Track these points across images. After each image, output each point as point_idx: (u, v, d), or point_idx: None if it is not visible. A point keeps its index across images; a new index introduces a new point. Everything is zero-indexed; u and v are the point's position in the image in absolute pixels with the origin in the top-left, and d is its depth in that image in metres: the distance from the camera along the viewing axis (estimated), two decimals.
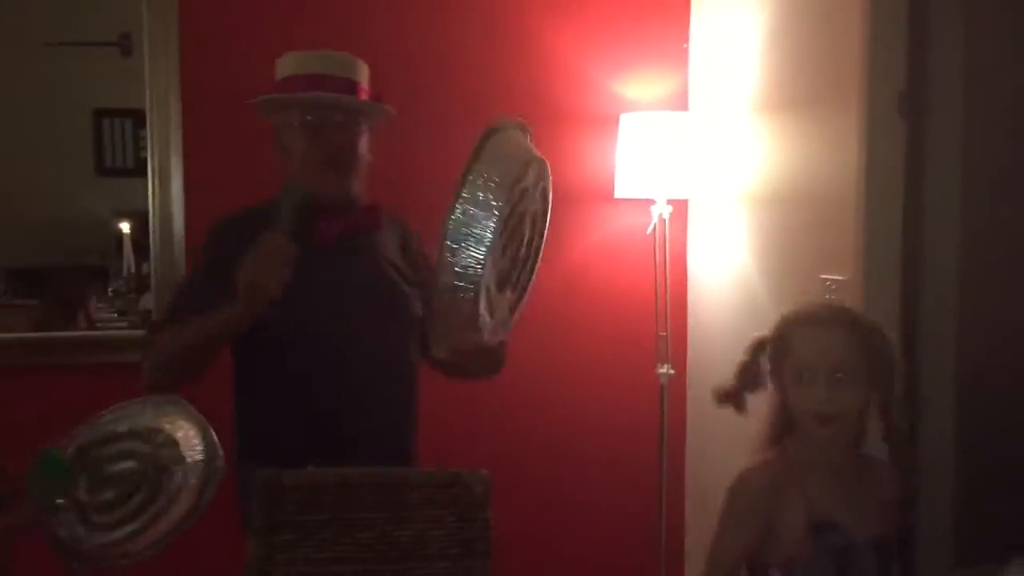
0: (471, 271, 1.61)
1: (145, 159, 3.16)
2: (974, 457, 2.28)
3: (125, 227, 4.05)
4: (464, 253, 1.61)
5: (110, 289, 3.84)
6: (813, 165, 2.59)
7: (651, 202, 3.02)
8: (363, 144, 2.13)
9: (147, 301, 3.39)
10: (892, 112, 2.32)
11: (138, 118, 5.15)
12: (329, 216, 2.05)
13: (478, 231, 1.61)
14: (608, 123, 3.07)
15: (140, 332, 3.11)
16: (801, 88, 2.65)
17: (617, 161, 3.02)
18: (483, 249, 1.61)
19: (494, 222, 1.62)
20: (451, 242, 1.62)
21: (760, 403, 2.63)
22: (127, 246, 3.95)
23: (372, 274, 2.12)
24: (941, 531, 2.31)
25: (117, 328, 3.35)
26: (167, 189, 2.88)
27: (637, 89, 3.14)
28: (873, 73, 2.31)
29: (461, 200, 1.63)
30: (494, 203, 1.63)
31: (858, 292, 2.38)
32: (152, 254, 2.91)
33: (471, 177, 1.65)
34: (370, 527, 1.64)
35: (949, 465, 2.31)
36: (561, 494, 3.17)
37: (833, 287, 2.48)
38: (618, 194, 3.02)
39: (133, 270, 3.83)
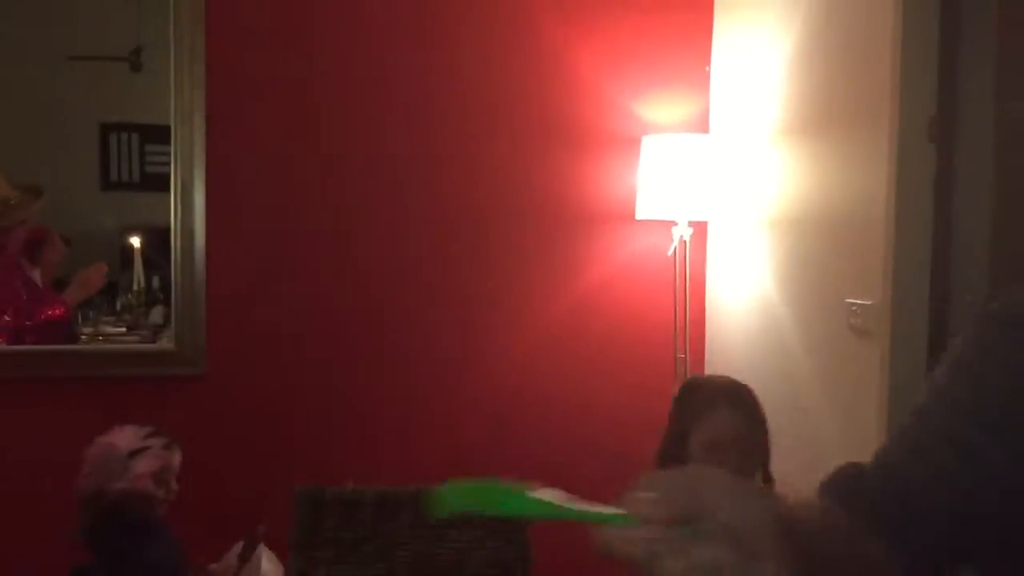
0: None
1: (150, 173, 3.16)
2: None
3: (135, 241, 4.04)
4: None
5: (119, 303, 3.81)
6: (839, 189, 2.60)
7: (672, 224, 3.02)
8: None
9: (156, 315, 3.38)
10: (922, 137, 2.32)
11: (144, 133, 5.15)
12: None
13: None
14: (630, 145, 3.08)
15: (150, 346, 3.12)
16: (826, 112, 2.65)
17: (639, 183, 3.02)
18: None
19: None
20: None
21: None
22: (137, 260, 3.93)
23: None
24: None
25: (124, 342, 3.32)
26: (189, 203, 2.86)
27: (659, 112, 3.15)
28: (904, 97, 2.32)
29: None
30: None
31: (885, 317, 2.38)
32: (173, 267, 2.89)
33: None
34: (409, 545, 1.62)
35: None
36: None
37: (859, 312, 2.48)
38: (639, 215, 3.02)
39: (143, 284, 3.82)
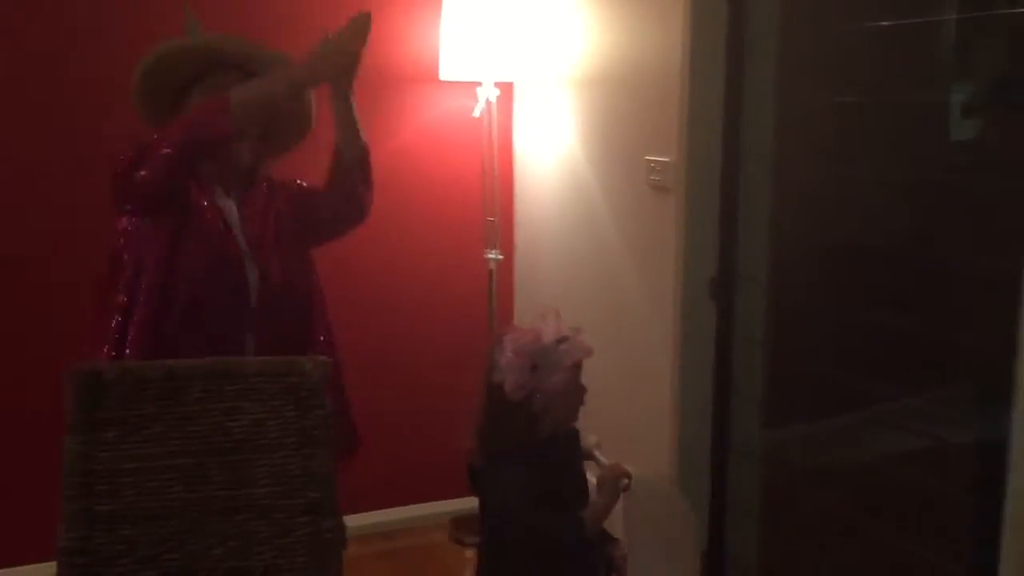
0: None
1: None
2: (784, 328, 2.42)
3: None
4: None
5: None
6: (638, 48, 2.61)
7: (477, 84, 2.96)
8: None
9: None
10: None
11: None
12: None
13: None
14: (431, 1, 2.97)
15: None
16: None
17: (441, 42, 2.93)
18: None
19: None
20: None
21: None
22: None
23: None
24: (754, 395, 2.46)
25: None
26: None
27: None
28: None
29: None
30: None
31: (682, 173, 2.44)
32: None
33: None
34: (202, 419, 1.56)
35: (760, 336, 2.45)
36: (394, 373, 3.16)
37: (658, 169, 2.53)
38: (443, 76, 2.94)
39: None
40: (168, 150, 1.83)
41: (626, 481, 1.88)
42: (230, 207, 2.07)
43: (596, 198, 2.85)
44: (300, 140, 2.25)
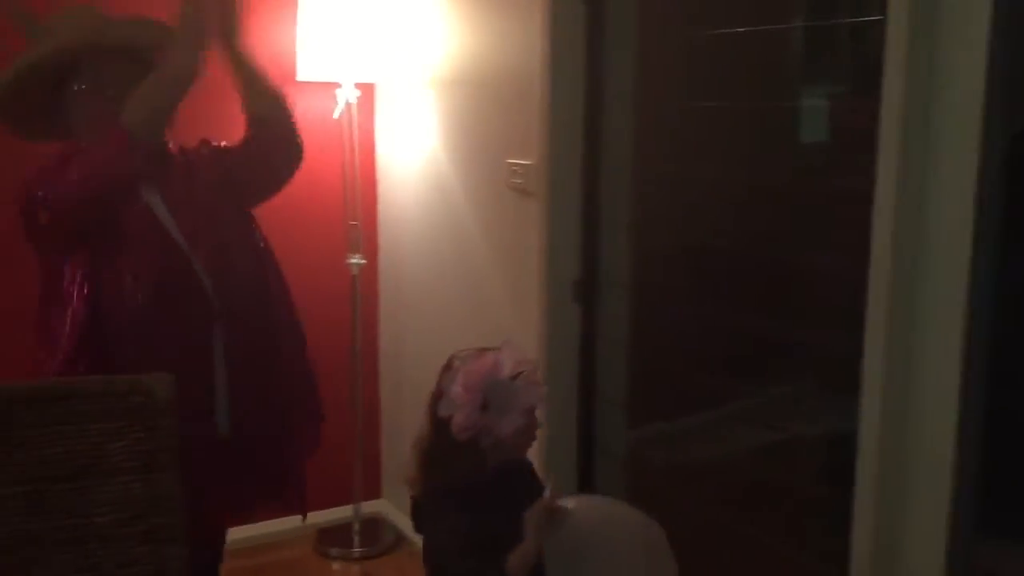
0: None
1: None
2: (647, 330, 2.45)
3: None
4: None
5: None
6: (499, 50, 2.59)
7: (337, 86, 2.89)
8: None
9: None
10: None
11: None
12: None
13: None
14: None
15: None
16: None
17: (298, 41, 2.84)
18: None
19: None
20: None
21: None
22: None
23: None
24: (618, 396, 2.49)
25: None
26: None
27: None
28: None
29: None
30: None
31: (543, 177, 2.44)
32: None
33: None
34: (36, 445, 1.45)
35: (624, 338, 2.48)
36: None
37: (520, 172, 2.52)
38: (300, 77, 2.85)
39: None
40: (75, 202, 1.70)
41: (543, 517, 1.63)
42: (157, 203, 1.91)
43: (459, 201, 2.82)
44: None
